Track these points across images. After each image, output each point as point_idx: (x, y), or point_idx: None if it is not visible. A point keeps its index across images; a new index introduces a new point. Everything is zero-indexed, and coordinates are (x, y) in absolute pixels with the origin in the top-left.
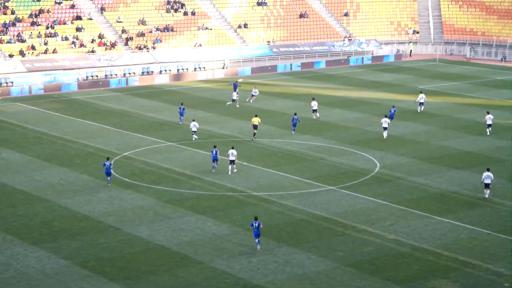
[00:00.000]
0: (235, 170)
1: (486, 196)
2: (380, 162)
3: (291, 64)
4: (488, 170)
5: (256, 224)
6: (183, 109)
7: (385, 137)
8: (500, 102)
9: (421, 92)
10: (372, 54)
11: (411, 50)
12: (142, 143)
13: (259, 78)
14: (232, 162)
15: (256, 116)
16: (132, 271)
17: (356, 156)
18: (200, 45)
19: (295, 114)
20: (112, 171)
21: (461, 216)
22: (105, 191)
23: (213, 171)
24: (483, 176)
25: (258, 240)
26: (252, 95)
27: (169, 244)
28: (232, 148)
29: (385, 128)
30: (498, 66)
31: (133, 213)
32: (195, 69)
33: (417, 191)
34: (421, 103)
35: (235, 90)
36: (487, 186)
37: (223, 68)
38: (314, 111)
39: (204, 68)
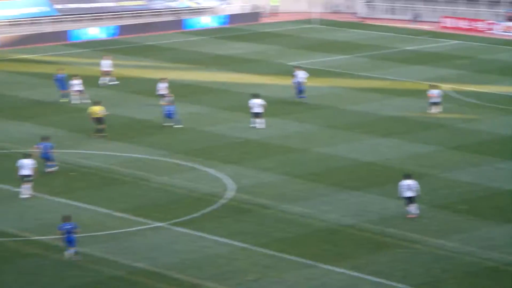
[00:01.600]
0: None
1: (413, 213)
2: (234, 182)
3: (86, 30)
4: (407, 177)
5: (69, 227)
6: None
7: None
8: (412, 85)
9: (296, 68)
10: (215, 12)
11: (274, 6)
12: None
13: (34, 52)
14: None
15: (96, 103)
16: None
17: (197, 173)
18: None
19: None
20: None
21: (361, 263)
22: None
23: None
24: (400, 187)
25: (75, 250)
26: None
27: None
28: (27, 156)
29: (256, 114)
30: (407, 29)
31: None
32: None
33: (293, 226)
34: (298, 83)
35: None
36: (410, 200)
37: None
38: (161, 95)
39: None
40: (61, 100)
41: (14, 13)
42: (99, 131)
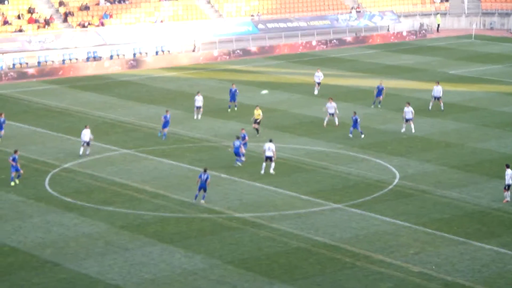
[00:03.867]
0: (272, 171)
1: (507, 199)
2: (400, 171)
3: (281, 45)
4: (508, 166)
5: (205, 177)
6: (168, 117)
7: (403, 131)
8: None
9: (438, 83)
10: (388, 29)
11: (438, 24)
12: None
13: (240, 63)
14: (268, 159)
15: (257, 107)
16: None
17: (369, 163)
18: (163, 21)
19: (355, 113)
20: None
21: (508, 241)
22: (39, 215)
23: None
24: (507, 176)
25: (204, 195)
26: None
27: (126, 283)
28: (270, 141)
29: (407, 120)
30: None
31: (77, 243)
32: (156, 52)
33: (449, 208)
34: (437, 98)
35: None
36: (508, 187)
37: (193, 51)
38: (331, 114)
39: (168, 51)
40: (229, 110)
41: (225, 31)
42: (257, 130)
